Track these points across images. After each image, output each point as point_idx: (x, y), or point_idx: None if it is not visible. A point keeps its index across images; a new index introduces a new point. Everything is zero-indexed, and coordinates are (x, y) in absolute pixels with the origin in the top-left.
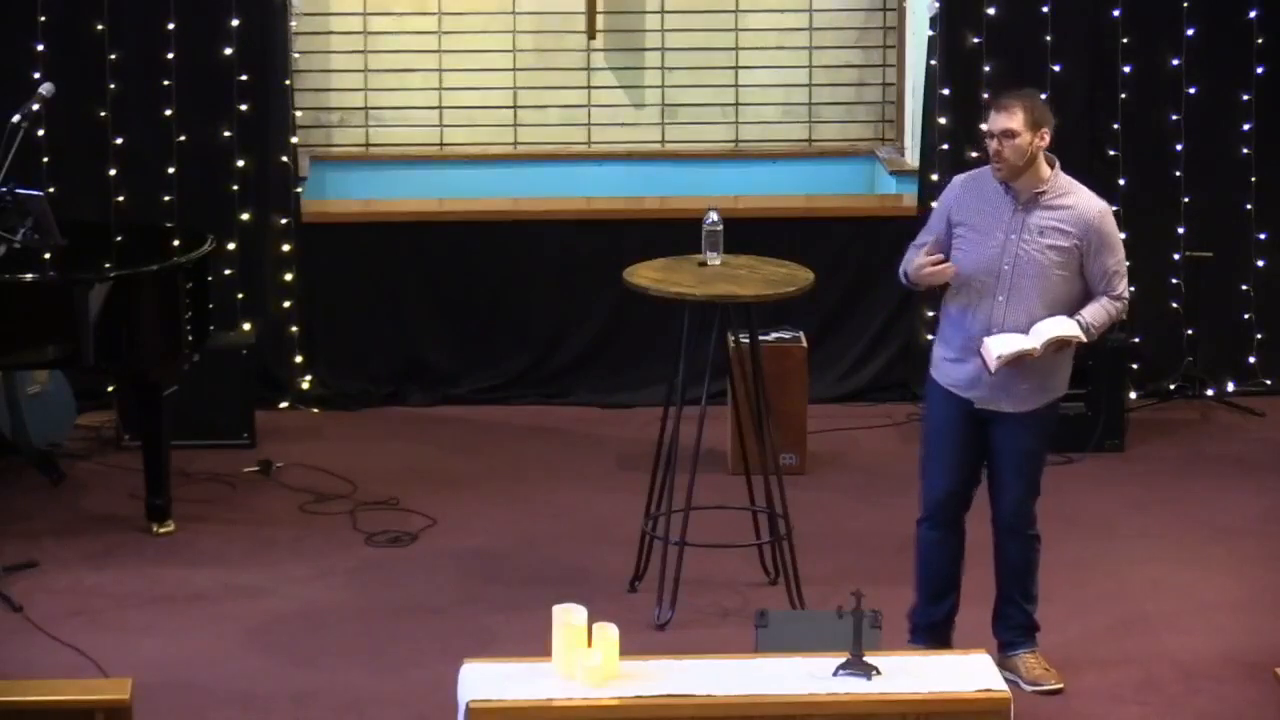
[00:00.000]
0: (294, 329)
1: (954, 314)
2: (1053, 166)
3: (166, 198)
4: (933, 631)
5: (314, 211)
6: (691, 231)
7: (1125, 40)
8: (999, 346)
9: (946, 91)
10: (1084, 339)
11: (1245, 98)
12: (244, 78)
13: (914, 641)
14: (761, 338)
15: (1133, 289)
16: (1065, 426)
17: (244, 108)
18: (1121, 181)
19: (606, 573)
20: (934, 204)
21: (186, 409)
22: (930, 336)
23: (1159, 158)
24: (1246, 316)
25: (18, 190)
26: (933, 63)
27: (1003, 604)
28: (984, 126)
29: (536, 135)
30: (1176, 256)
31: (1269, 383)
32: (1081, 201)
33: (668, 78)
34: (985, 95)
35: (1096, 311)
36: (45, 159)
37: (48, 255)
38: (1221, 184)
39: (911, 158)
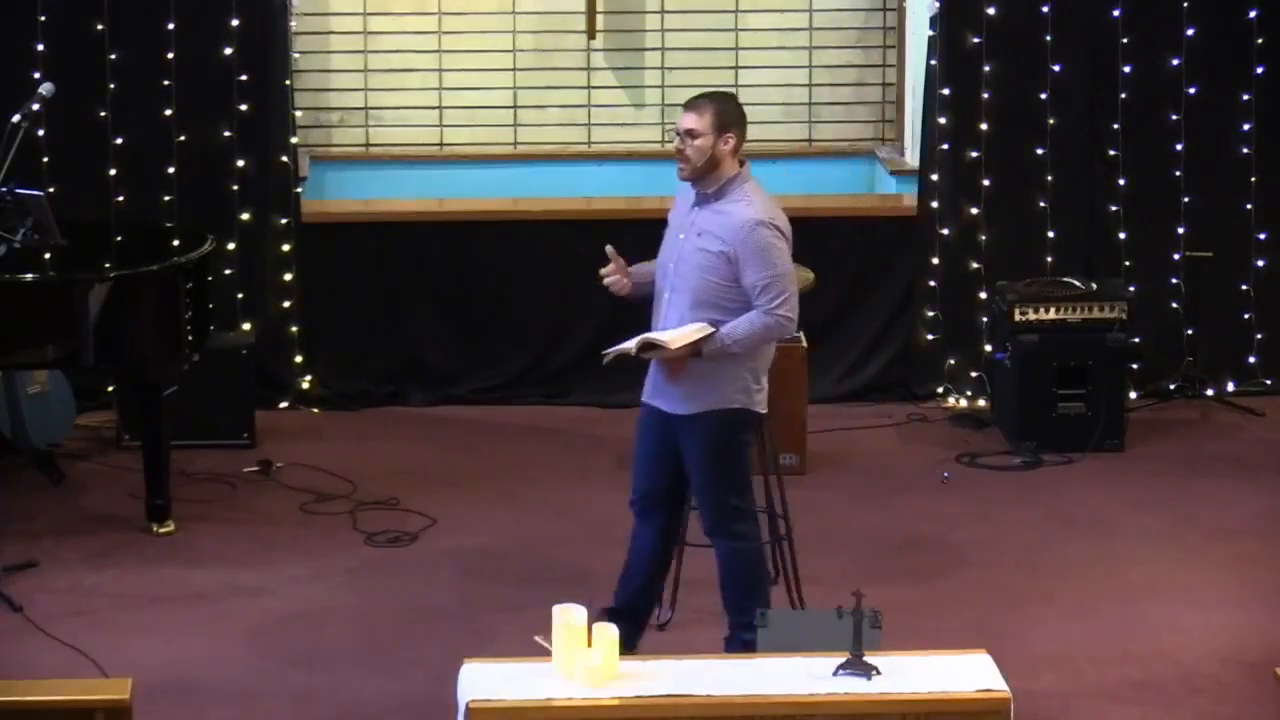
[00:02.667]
0: (294, 329)
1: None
2: (739, 172)
3: (166, 198)
4: (615, 616)
5: (314, 211)
6: None
7: (1125, 40)
8: (627, 342)
9: (946, 91)
10: (669, 347)
11: (1245, 98)
12: (244, 78)
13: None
14: None
15: (1133, 289)
16: (1065, 426)
17: (244, 108)
18: (1121, 181)
19: (606, 573)
20: None
21: (186, 409)
22: (930, 336)
23: (1159, 158)
24: (1246, 316)
25: (18, 190)
26: (933, 63)
27: (727, 614)
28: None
29: (536, 135)
30: (1176, 256)
31: (1269, 383)
32: (737, 210)
33: (668, 78)
34: (985, 95)
35: (739, 324)
36: (45, 159)
37: (48, 255)
38: (1221, 184)
39: (911, 158)
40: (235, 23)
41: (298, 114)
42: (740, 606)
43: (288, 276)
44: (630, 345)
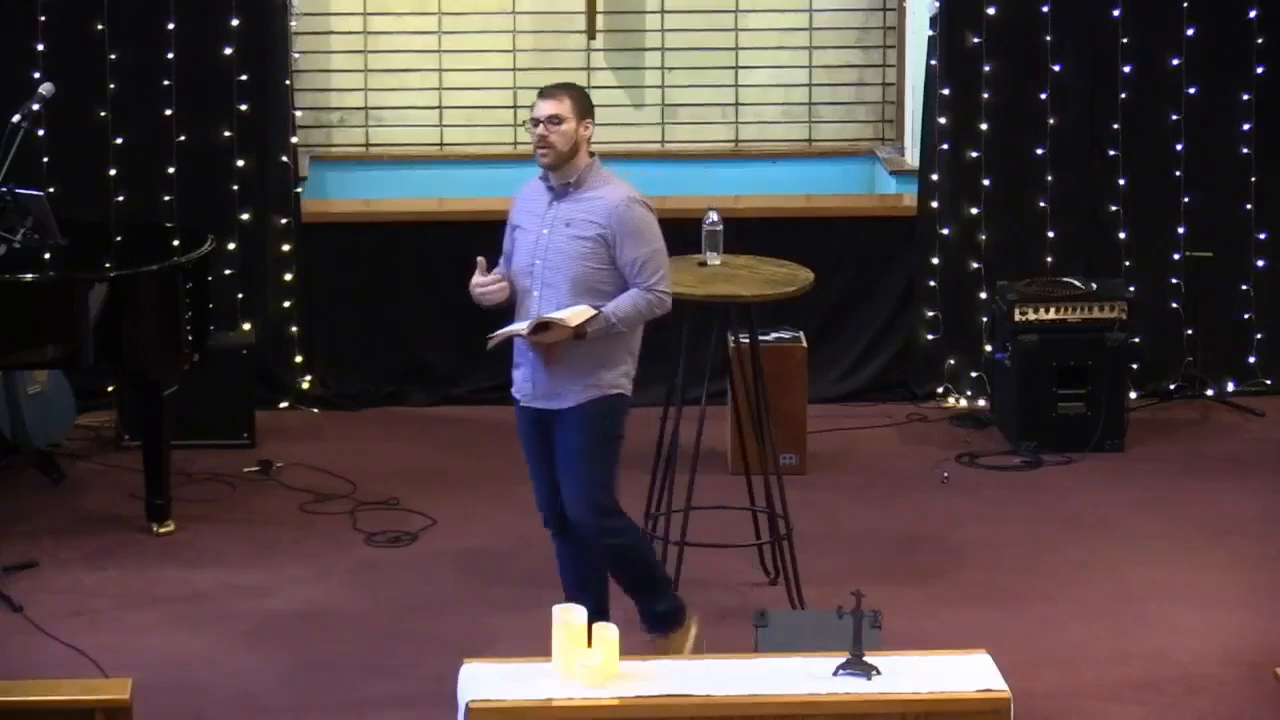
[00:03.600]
0: (294, 329)
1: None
2: (593, 160)
3: (166, 198)
4: None
5: (314, 211)
6: (691, 231)
7: (1125, 40)
8: (514, 325)
9: (946, 91)
10: (567, 324)
11: (1245, 98)
12: (244, 78)
13: None
14: (761, 338)
15: (1133, 289)
16: (1065, 426)
17: (244, 108)
18: (1121, 181)
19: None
20: None
21: (186, 409)
22: (930, 336)
23: (1159, 158)
24: (1246, 316)
25: (18, 190)
26: (933, 63)
27: (630, 598)
28: (532, 114)
29: None
30: (1176, 256)
31: (1269, 383)
32: (608, 192)
33: (668, 78)
34: (985, 95)
35: (622, 302)
36: (45, 159)
37: (48, 255)
38: (1221, 184)
39: (911, 158)
40: (235, 23)
41: (298, 114)
42: (644, 594)
43: (288, 276)
44: (522, 327)
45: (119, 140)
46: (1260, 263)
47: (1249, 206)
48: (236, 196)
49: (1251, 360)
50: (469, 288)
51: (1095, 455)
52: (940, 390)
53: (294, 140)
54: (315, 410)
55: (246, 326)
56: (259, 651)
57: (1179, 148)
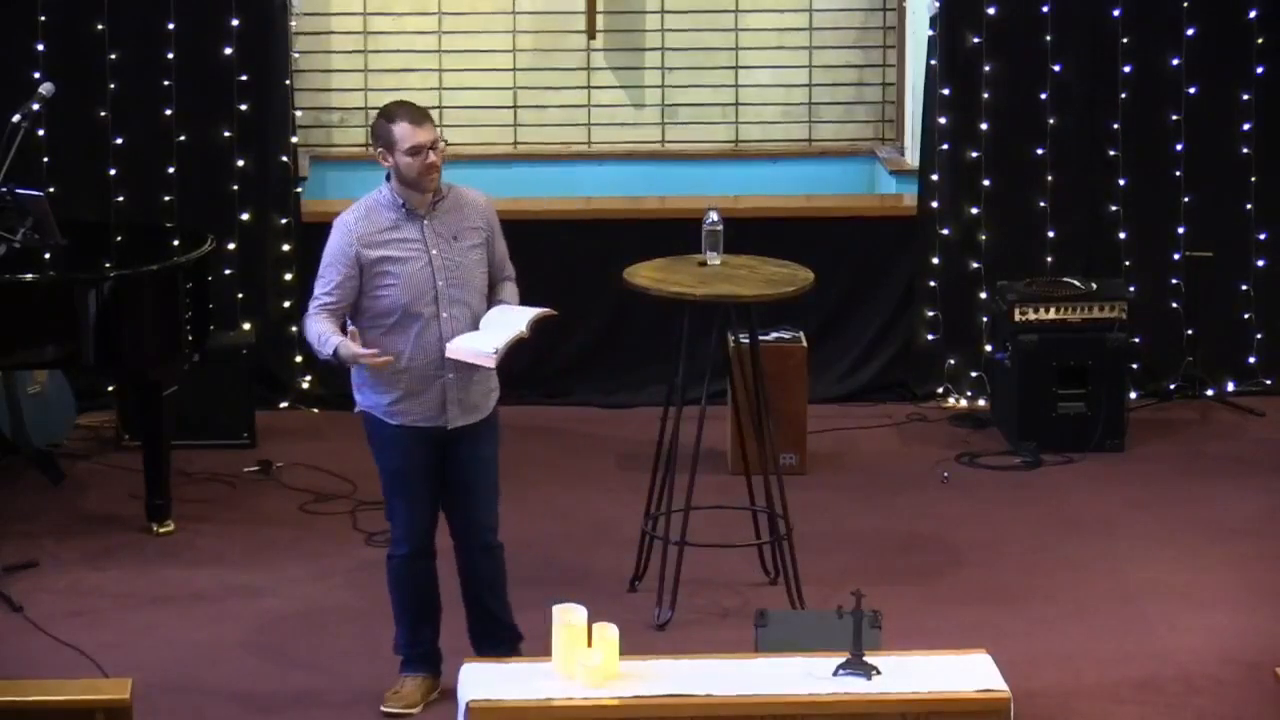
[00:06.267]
0: (294, 329)
1: (392, 350)
2: None
3: (166, 198)
4: (427, 659)
5: (314, 211)
6: (691, 231)
7: (1125, 40)
8: (486, 341)
9: (946, 91)
10: (552, 313)
11: (1245, 98)
12: (244, 78)
13: (405, 672)
14: (761, 338)
15: (1133, 289)
16: (1065, 426)
17: (244, 108)
18: (1121, 181)
19: (606, 573)
20: (327, 259)
21: (186, 409)
22: (930, 336)
23: (1159, 158)
24: (1246, 316)
25: (18, 190)
26: (933, 63)
27: (485, 621)
28: (412, 142)
29: (536, 135)
30: (1176, 256)
31: (1269, 383)
32: (466, 195)
33: (668, 78)
34: (985, 95)
35: (514, 294)
36: (45, 159)
37: (48, 255)
38: (1221, 184)
39: (911, 158)
40: (235, 23)
41: (298, 114)
42: (507, 601)
43: (288, 276)
44: (524, 330)
45: (119, 140)
46: (1260, 263)
47: (1249, 206)
48: (236, 196)
49: (1251, 360)
50: (353, 356)
51: (1095, 455)
52: (940, 390)
53: (294, 140)
54: (315, 410)
55: (246, 326)
56: (259, 651)
57: (1179, 148)
